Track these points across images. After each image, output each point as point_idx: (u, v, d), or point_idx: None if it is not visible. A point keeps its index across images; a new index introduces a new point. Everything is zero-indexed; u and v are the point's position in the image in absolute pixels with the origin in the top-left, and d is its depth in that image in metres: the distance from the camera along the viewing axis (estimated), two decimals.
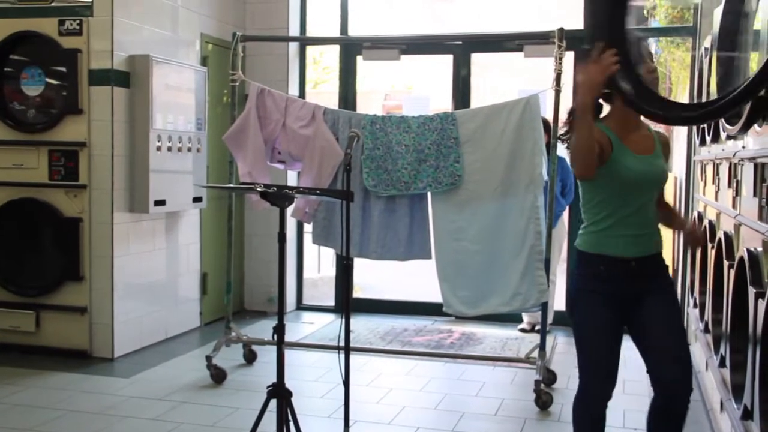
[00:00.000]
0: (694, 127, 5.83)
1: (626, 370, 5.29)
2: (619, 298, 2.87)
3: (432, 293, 5.51)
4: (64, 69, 5.25)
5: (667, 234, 9.34)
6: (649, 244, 2.89)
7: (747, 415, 2.88)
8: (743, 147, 3.40)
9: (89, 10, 5.24)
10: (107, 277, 5.29)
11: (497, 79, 10.78)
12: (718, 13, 4.20)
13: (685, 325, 2.85)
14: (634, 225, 2.84)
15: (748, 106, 3.02)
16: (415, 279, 7.71)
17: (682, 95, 10.23)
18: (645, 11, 11.44)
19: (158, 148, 5.49)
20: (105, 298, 5.30)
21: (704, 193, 5.08)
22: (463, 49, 6.81)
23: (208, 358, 4.97)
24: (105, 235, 5.28)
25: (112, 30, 5.22)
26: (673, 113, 2.58)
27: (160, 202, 5.53)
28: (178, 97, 5.75)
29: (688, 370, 2.88)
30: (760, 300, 2.68)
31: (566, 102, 5.90)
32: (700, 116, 2.81)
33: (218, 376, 4.93)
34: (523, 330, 6.43)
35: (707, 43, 4.86)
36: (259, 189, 3.40)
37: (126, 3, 5.34)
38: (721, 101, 2.15)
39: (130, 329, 5.47)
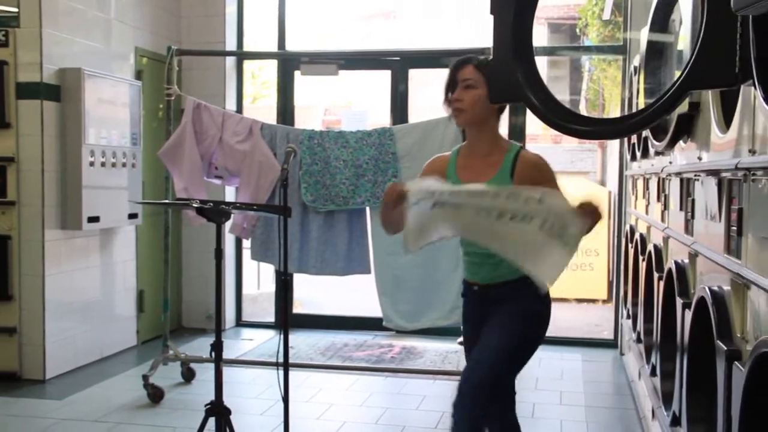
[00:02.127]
0: (626, 143, 5.99)
1: (563, 382, 5.42)
2: (470, 319, 2.98)
3: (372, 308, 5.52)
4: None
5: (602, 245, 9.48)
6: (492, 272, 2.80)
7: (675, 421, 2.97)
8: (670, 162, 3.51)
9: (16, 20, 5.10)
10: (38, 296, 5.14)
11: (435, 95, 10.92)
12: (644, 33, 4.34)
13: (501, 344, 2.72)
14: (475, 253, 2.81)
15: (673, 124, 3.13)
16: (355, 294, 7.71)
17: (615, 111, 10.50)
18: (578, 29, 11.74)
19: (91, 164, 5.38)
20: (35, 317, 5.15)
21: (635, 207, 5.22)
22: (400, 65, 6.87)
23: (145, 377, 4.87)
24: (35, 253, 5.14)
25: (40, 42, 5.10)
26: (583, 127, 2.62)
27: (93, 219, 5.42)
28: (111, 111, 5.65)
29: (479, 378, 2.75)
30: (686, 310, 2.76)
31: (503, 115, 6.00)
32: (607, 131, 2.80)
33: (155, 395, 4.84)
34: (462, 343, 6.47)
35: (636, 61, 5.02)
36: (195, 205, 3.37)
37: (55, 14, 5.23)
38: (632, 120, 2.24)
39: (62, 349, 5.33)
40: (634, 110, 5.05)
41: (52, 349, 5.23)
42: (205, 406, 3.33)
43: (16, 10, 5.10)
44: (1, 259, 5.10)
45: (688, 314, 2.71)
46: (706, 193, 2.61)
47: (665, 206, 3.61)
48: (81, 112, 5.29)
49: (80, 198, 5.29)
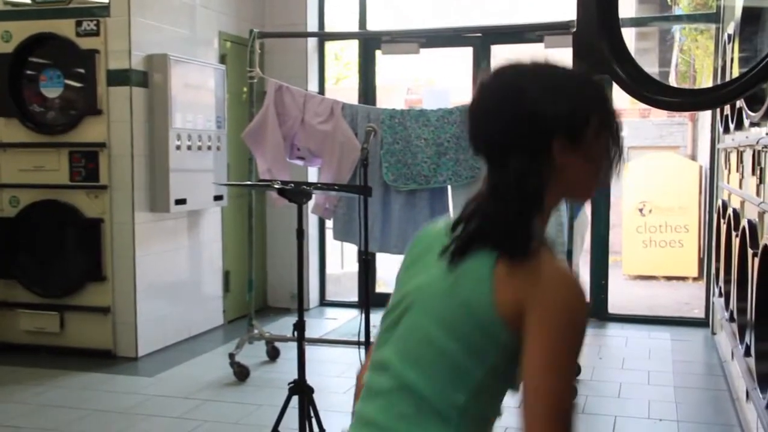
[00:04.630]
0: (718, 115, 5.74)
1: (651, 361, 5.27)
2: None
3: None
4: (82, 70, 5.27)
5: (693, 221, 9.18)
6: None
7: None
8: (767, 134, 3.34)
9: (106, 10, 5.25)
10: (130, 277, 5.32)
11: None
12: None
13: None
14: None
15: None
16: None
17: (707, 82, 10.10)
18: None
19: (178, 147, 5.50)
20: (128, 297, 5.33)
21: (728, 181, 5.00)
22: (482, 41, 6.75)
23: (231, 356, 4.98)
24: (126, 236, 5.30)
25: (129, 30, 5.23)
26: (673, 99, 2.50)
27: (180, 201, 5.55)
28: (197, 95, 5.76)
29: None
30: None
31: None
32: (698, 103, 2.64)
33: (241, 373, 4.94)
34: None
35: (731, 28, 4.79)
36: (276, 186, 3.40)
37: (143, 3, 5.35)
38: (725, 89, 2.11)
39: (153, 328, 5.50)
40: (727, 80, 4.83)
41: (144, 327, 5.40)
42: (289, 384, 3.38)
43: (107, 0, 5.25)
44: (95, 241, 5.29)
45: None
46: None
47: (761, 180, 3.44)
48: (168, 97, 5.41)
49: (168, 181, 5.42)
